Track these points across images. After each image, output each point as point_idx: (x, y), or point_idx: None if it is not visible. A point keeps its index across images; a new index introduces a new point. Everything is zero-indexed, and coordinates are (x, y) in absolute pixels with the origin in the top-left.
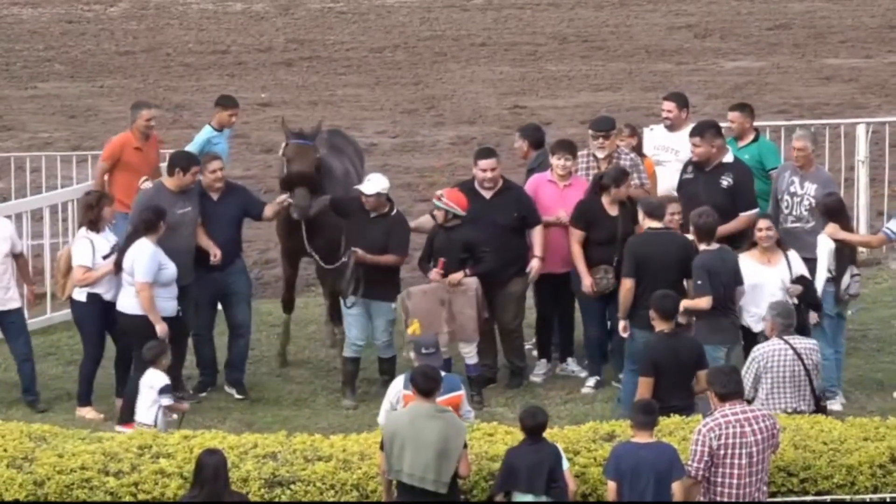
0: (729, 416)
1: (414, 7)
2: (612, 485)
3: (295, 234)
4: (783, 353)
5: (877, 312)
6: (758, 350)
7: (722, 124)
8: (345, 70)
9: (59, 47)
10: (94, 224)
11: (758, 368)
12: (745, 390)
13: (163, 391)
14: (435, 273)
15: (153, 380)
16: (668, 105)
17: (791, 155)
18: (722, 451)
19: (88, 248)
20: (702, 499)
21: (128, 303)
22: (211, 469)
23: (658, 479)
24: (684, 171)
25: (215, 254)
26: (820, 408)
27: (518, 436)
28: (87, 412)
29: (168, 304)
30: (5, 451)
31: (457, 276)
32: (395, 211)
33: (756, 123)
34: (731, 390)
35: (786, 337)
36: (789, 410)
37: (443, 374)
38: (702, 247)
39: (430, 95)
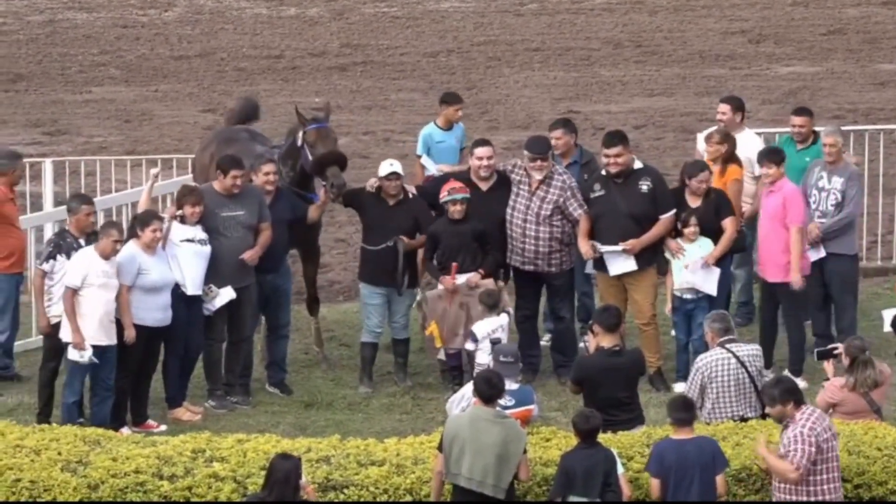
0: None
1: (468, 12)
2: (654, 482)
3: None
4: (726, 362)
5: None
6: (701, 360)
7: (781, 129)
8: (398, 75)
9: (113, 52)
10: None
11: (702, 379)
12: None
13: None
14: (449, 281)
15: (486, 326)
16: (724, 107)
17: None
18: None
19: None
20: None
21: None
22: (282, 473)
23: (703, 473)
24: (591, 190)
25: (249, 256)
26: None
27: (575, 441)
28: (182, 413)
29: (147, 314)
30: (60, 454)
31: (474, 278)
32: (412, 195)
33: None
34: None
35: (728, 345)
36: (735, 418)
37: (516, 386)
38: None
39: (484, 100)
